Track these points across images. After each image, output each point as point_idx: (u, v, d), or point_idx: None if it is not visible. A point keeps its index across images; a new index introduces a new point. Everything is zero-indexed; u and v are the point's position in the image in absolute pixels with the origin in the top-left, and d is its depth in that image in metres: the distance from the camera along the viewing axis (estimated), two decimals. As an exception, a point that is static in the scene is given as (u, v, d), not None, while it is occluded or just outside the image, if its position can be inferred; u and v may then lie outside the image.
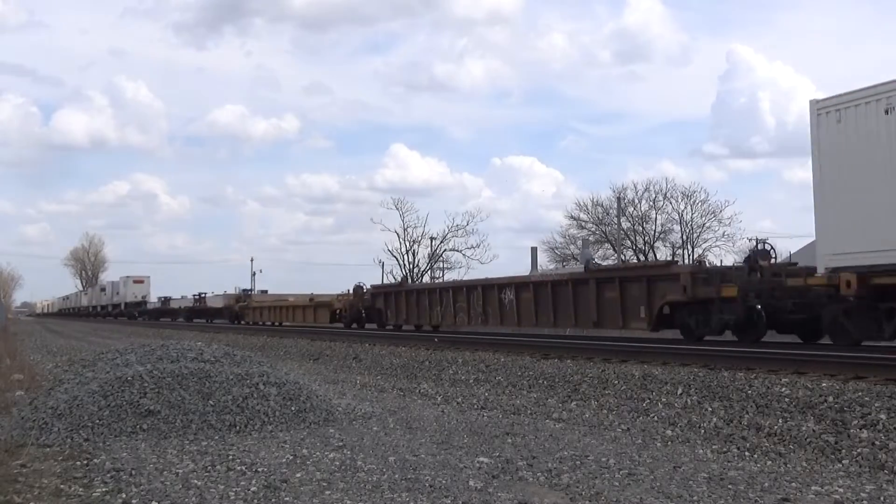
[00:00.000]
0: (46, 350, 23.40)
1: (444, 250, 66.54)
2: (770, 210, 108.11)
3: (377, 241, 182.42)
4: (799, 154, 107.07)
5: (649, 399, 9.64)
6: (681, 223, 59.00)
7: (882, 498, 5.42)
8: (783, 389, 8.89)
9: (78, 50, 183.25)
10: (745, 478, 5.93)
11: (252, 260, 74.42)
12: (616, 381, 10.71)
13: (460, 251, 66.07)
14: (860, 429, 7.23)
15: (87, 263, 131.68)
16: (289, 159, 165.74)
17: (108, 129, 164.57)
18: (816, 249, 14.35)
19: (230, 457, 6.59)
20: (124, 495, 5.37)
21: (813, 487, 5.67)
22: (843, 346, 13.57)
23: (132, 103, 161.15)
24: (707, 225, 58.79)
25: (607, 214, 59.84)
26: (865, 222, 13.11)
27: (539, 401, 10.30)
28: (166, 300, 68.10)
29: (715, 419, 8.31)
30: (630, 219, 59.68)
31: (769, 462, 6.61)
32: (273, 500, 5.25)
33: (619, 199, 56.83)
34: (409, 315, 27.69)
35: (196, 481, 5.73)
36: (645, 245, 59.78)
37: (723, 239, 57.64)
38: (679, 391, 9.67)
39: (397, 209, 68.12)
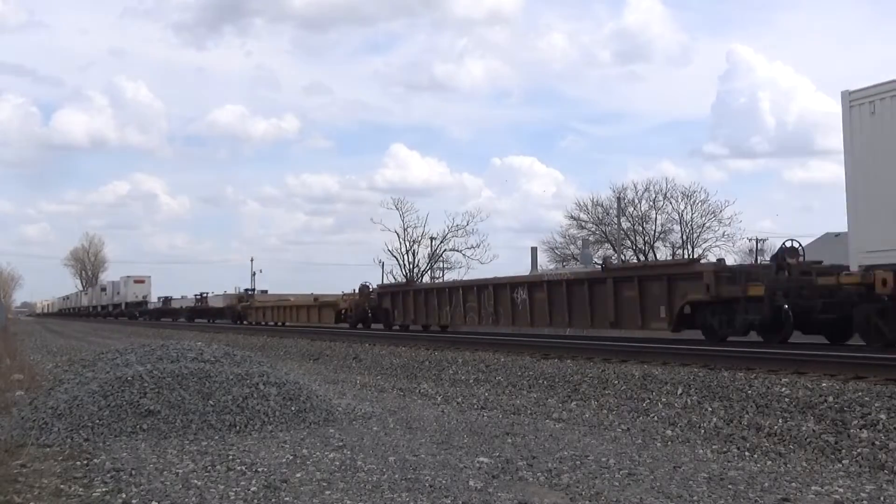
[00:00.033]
0: (46, 350, 23.40)
1: (444, 250, 66.58)
2: (770, 210, 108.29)
3: (377, 241, 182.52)
4: (799, 154, 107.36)
5: (649, 399, 9.64)
6: (681, 223, 59.09)
7: (882, 498, 5.42)
8: (783, 389, 8.89)
9: (78, 50, 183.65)
10: (745, 478, 5.93)
11: (252, 260, 74.35)
12: (616, 381, 10.71)
13: (460, 251, 66.10)
14: (860, 429, 7.23)
15: (87, 263, 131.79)
16: (289, 159, 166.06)
17: (108, 129, 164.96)
18: (849, 246, 13.78)
19: (230, 457, 6.59)
20: (124, 495, 5.37)
21: (813, 487, 5.67)
22: (876, 347, 13.04)
23: (132, 103, 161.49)
24: (707, 225, 58.90)
25: (607, 214, 59.91)
26: None
27: (539, 401, 10.30)
28: (167, 300, 67.80)
29: (715, 419, 8.31)
30: (630, 219, 59.75)
31: (769, 462, 6.61)
32: (273, 500, 5.25)
33: (619, 199, 56.90)
34: (418, 315, 27.09)
35: (196, 481, 5.73)
36: (645, 245, 59.83)
37: (723, 239, 57.77)
38: (679, 391, 9.67)
39: (397, 209, 68.15)
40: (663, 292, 16.83)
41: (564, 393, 10.69)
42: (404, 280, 53.18)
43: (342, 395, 11.14)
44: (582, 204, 62.98)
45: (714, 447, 7.21)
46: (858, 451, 6.74)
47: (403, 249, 67.07)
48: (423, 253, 67.16)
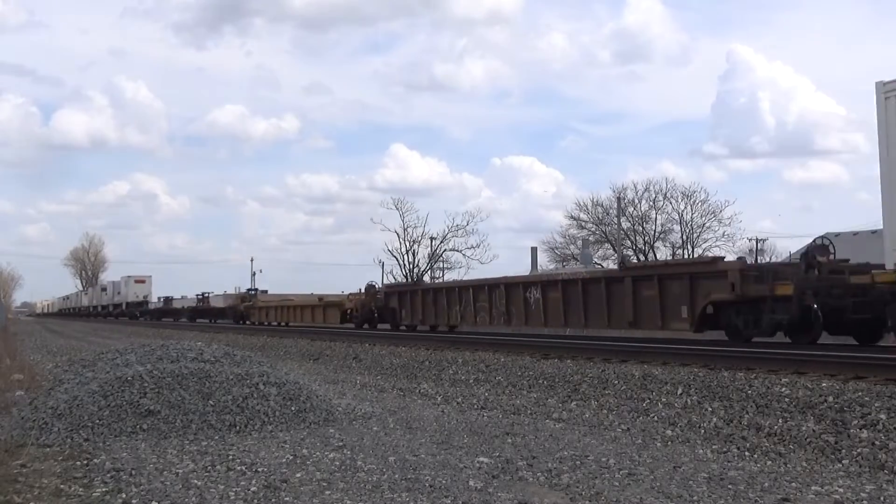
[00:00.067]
0: (46, 350, 23.41)
1: (444, 250, 66.70)
2: (770, 210, 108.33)
3: (377, 241, 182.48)
4: (799, 154, 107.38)
5: (649, 399, 9.64)
6: (681, 223, 59.12)
7: (882, 498, 5.42)
8: (783, 389, 8.89)
9: (78, 50, 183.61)
10: (745, 478, 5.93)
11: (252, 260, 74.42)
12: (616, 381, 10.71)
13: (460, 251, 66.22)
14: (860, 429, 7.23)
15: (87, 263, 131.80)
16: (289, 159, 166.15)
17: (108, 129, 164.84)
18: (885, 243, 13.23)
19: (230, 457, 6.59)
20: (124, 495, 5.37)
21: (813, 487, 5.67)
22: None
23: (132, 103, 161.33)
24: (707, 225, 58.93)
25: (607, 214, 59.94)
26: None
27: (539, 401, 10.30)
28: (168, 300, 67.44)
29: (715, 419, 8.31)
30: (630, 219, 59.80)
31: (769, 462, 6.61)
32: (273, 500, 5.25)
33: (619, 199, 56.93)
34: (426, 315, 26.49)
35: (196, 481, 5.73)
36: (645, 245, 59.87)
37: (723, 239, 57.78)
38: (679, 391, 9.67)
39: (397, 209, 68.26)
40: (685, 291, 16.26)
41: (564, 393, 10.69)
42: (409, 280, 53.14)
43: (342, 395, 11.14)
44: (582, 204, 63.09)
45: (714, 447, 7.21)
46: (858, 451, 6.74)
47: (403, 249, 67.22)
48: (423, 253, 67.32)
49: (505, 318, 22.42)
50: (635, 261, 47.78)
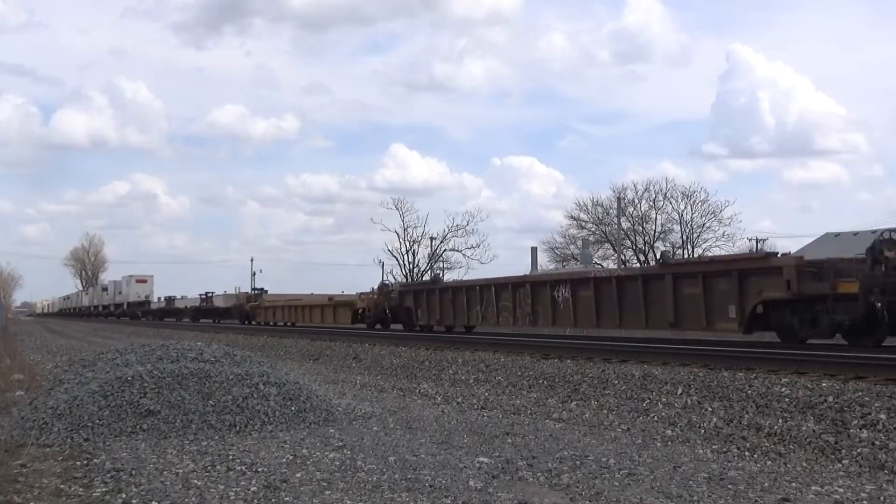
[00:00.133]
0: (46, 350, 23.41)
1: (444, 250, 66.83)
2: (770, 210, 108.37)
3: (377, 241, 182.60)
4: (799, 154, 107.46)
5: (649, 399, 9.64)
6: (681, 223, 59.15)
7: (882, 498, 5.42)
8: (783, 389, 8.89)
9: (78, 50, 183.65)
10: (745, 478, 5.93)
11: (252, 260, 74.34)
12: (616, 381, 10.71)
13: (460, 251, 66.38)
14: (860, 429, 7.23)
15: (87, 263, 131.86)
16: (289, 159, 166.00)
17: (107, 129, 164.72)
18: None
19: (230, 457, 6.59)
20: (124, 495, 5.37)
21: (813, 487, 5.68)
22: None
23: (132, 103, 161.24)
24: (707, 225, 58.97)
25: (607, 214, 59.97)
26: None
27: (539, 401, 10.30)
28: (171, 300, 66.80)
29: (715, 419, 8.31)
30: (630, 219, 59.82)
31: (769, 462, 6.61)
32: (273, 500, 5.26)
33: (619, 199, 56.94)
34: (444, 315, 25.15)
35: (196, 481, 5.73)
36: (645, 245, 59.88)
37: (723, 239, 57.81)
38: (679, 391, 9.67)
39: (397, 209, 68.42)
40: (733, 289, 15.17)
41: (564, 393, 10.69)
42: (410, 279, 53.01)
43: (342, 395, 11.14)
44: (582, 204, 63.13)
45: (714, 447, 7.21)
46: (858, 451, 6.74)
47: (403, 249, 67.37)
48: (423, 253, 67.43)
49: (531, 319, 21.30)
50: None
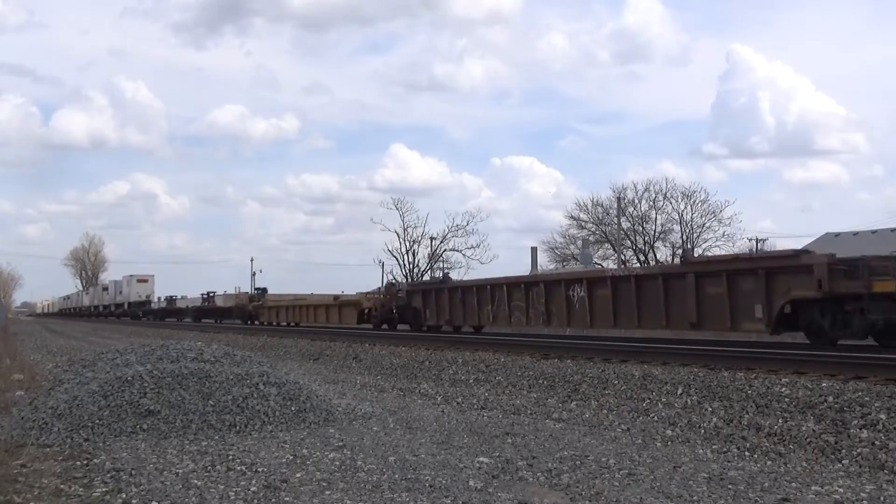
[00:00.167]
0: (46, 350, 23.41)
1: (444, 250, 66.76)
2: (770, 210, 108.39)
3: (377, 241, 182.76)
4: (799, 154, 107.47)
5: (649, 399, 9.64)
6: (681, 223, 59.07)
7: (882, 498, 5.42)
8: (783, 389, 8.89)
9: (78, 50, 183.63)
10: (745, 478, 5.93)
11: (252, 260, 74.28)
12: (616, 381, 10.71)
13: (460, 251, 66.31)
14: (860, 429, 7.23)
15: (87, 263, 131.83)
16: (289, 159, 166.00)
17: (107, 129, 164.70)
18: None
19: (230, 457, 6.59)
20: (124, 495, 5.37)
21: (813, 487, 5.68)
22: None
23: (132, 103, 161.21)
24: (707, 225, 58.86)
25: (607, 214, 59.90)
26: None
27: (539, 401, 10.30)
28: (172, 299, 66.35)
29: (715, 419, 8.31)
30: (630, 219, 59.74)
31: (769, 462, 6.61)
32: (273, 500, 5.26)
33: (619, 199, 56.87)
34: (454, 315, 24.58)
35: (196, 481, 5.73)
36: (645, 245, 59.84)
37: (723, 239, 57.74)
38: (679, 391, 9.67)
39: (397, 209, 68.36)
40: (760, 288, 14.62)
41: (564, 393, 10.69)
42: (410, 279, 52.90)
43: (342, 395, 11.15)
44: (582, 204, 63.05)
45: (714, 447, 7.21)
46: (858, 451, 6.74)
47: (403, 249, 67.32)
48: (423, 253, 67.38)
49: (545, 319, 20.73)
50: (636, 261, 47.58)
